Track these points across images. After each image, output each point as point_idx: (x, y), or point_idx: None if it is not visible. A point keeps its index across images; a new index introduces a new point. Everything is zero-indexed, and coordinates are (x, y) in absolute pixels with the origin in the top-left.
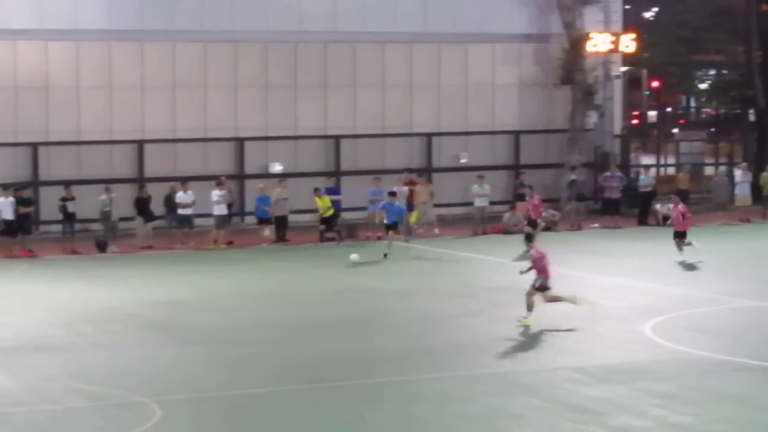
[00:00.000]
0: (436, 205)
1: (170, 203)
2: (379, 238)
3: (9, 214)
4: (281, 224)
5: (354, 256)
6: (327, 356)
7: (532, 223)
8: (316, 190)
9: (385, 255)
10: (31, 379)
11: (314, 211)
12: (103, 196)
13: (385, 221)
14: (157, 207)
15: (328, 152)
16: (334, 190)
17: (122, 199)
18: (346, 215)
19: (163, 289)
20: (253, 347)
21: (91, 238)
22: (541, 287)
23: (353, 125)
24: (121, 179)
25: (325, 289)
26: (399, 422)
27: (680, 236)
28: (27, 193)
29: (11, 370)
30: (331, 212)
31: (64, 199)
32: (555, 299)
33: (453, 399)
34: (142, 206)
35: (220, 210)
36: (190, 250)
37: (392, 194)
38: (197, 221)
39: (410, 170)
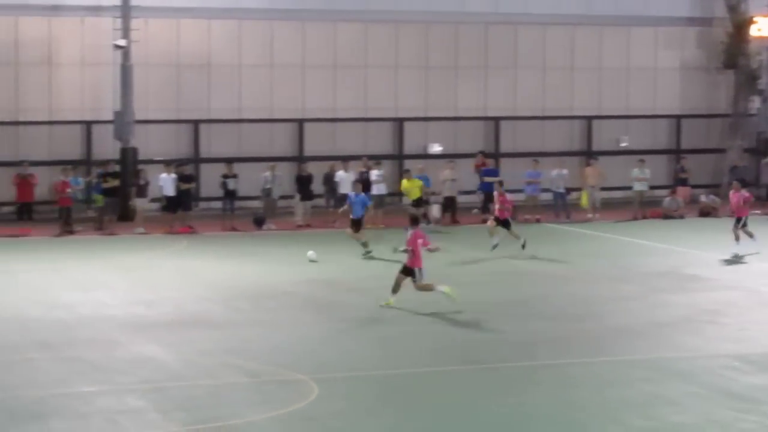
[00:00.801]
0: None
1: (330, 182)
2: (538, 221)
3: (170, 191)
4: (450, 205)
5: (311, 254)
6: (483, 338)
7: (505, 223)
8: (406, 171)
9: (368, 252)
10: (189, 353)
11: (471, 192)
12: (267, 173)
13: (352, 216)
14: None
15: (488, 134)
16: (492, 172)
17: (283, 177)
18: None
19: (319, 267)
20: (409, 327)
21: (249, 215)
22: (408, 273)
23: (513, 107)
24: (281, 157)
25: (481, 270)
26: (556, 405)
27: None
28: (188, 170)
29: (171, 345)
30: (418, 194)
31: (225, 176)
32: (424, 288)
33: (610, 384)
34: (302, 184)
35: (378, 190)
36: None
37: (358, 182)
38: None
39: (484, 153)
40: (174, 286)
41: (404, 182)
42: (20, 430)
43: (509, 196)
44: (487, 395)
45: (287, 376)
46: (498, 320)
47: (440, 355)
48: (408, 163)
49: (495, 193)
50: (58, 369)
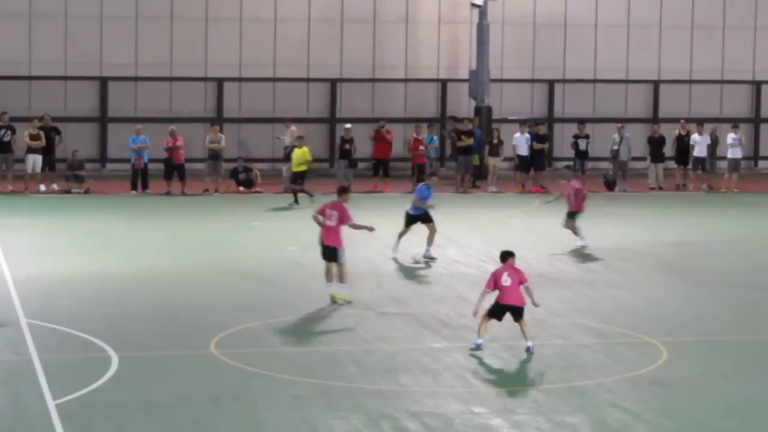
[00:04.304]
0: None
1: (681, 144)
2: None
3: (524, 150)
4: None
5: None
6: None
7: None
8: (300, 138)
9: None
10: (539, 313)
11: None
12: (615, 135)
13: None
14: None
15: None
16: None
17: (635, 139)
18: None
19: (673, 230)
20: (764, 292)
21: (600, 176)
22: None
23: None
24: (635, 119)
25: None
26: None
27: (572, 217)
28: (542, 129)
29: None
30: (303, 168)
31: (576, 137)
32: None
33: None
34: (654, 146)
35: (734, 153)
36: (702, 192)
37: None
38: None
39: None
40: (525, 245)
41: (296, 150)
42: (371, 383)
43: None
44: None
45: (637, 338)
46: None
47: None
48: (764, 127)
49: None
50: (409, 324)
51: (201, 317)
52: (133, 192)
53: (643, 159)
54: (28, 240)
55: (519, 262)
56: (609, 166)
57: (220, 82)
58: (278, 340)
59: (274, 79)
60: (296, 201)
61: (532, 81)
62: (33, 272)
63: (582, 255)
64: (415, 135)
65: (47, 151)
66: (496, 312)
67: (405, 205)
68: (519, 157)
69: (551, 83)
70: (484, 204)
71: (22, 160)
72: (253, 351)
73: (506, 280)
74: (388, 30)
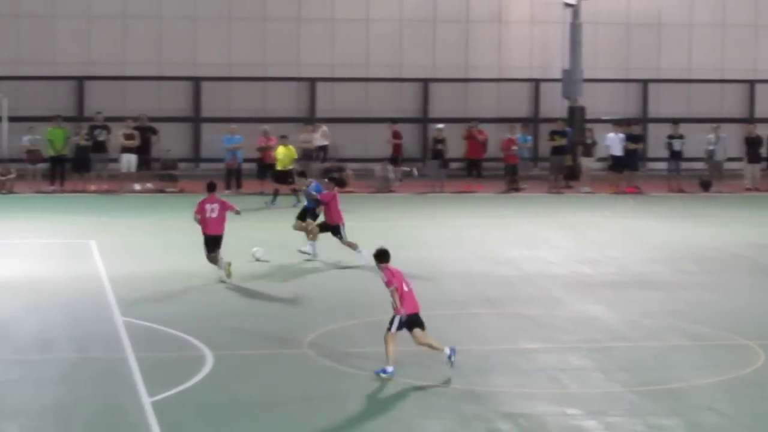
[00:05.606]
0: None
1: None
2: None
3: (618, 150)
4: None
5: (257, 251)
6: None
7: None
8: (283, 137)
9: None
10: (634, 314)
11: None
12: (710, 135)
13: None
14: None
15: None
16: None
17: (731, 140)
18: None
19: None
20: None
21: (695, 176)
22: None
23: None
24: (731, 119)
25: None
26: None
27: (332, 230)
28: (636, 130)
29: (616, 305)
30: (288, 164)
31: (670, 137)
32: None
33: None
34: (751, 147)
35: None
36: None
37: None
38: None
39: None
40: (619, 245)
41: (280, 148)
42: (463, 383)
43: None
44: None
45: (733, 340)
46: None
47: None
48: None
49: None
50: (502, 325)
51: (294, 316)
52: (227, 191)
53: (738, 159)
54: (122, 239)
55: (613, 263)
56: (704, 167)
57: (312, 82)
58: (370, 340)
59: (367, 79)
60: (274, 199)
61: (626, 81)
62: (128, 271)
63: (676, 257)
64: (508, 135)
65: (143, 151)
66: (408, 324)
67: (497, 204)
68: (612, 157)
69: (645, 83)
70: (576, 204)
71: (116, 160)
72: (346, 350)
73: (405, 285)
74: (480, 30)
